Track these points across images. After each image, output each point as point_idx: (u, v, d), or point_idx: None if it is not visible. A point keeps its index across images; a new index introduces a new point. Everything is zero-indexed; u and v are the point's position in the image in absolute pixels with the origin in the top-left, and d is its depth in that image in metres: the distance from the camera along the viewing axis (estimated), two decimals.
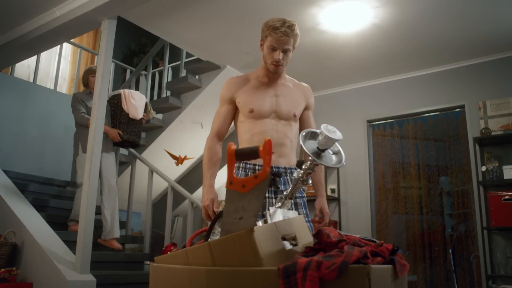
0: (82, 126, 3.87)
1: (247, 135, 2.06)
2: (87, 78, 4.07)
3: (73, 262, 3.05)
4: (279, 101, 2.08)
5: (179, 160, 4.74)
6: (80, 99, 3.95)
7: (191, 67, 4.90)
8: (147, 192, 4.32)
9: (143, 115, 4.17)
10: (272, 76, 2.10)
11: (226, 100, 2.14)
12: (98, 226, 3.73)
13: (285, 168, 2.03)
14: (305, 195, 2.08)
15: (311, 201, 2.13)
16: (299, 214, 1.95)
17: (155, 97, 5.86)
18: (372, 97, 4.96)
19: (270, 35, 1.99)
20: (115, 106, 4.07)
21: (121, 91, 4.10)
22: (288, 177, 2.00)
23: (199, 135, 5.26)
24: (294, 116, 2.09)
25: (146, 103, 4.24)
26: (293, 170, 2.00)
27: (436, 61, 4.45)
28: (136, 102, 4.09)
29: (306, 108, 2.17)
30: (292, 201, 1.98)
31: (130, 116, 4.04)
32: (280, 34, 1.95)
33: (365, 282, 0.94)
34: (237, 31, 3.99)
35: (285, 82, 2.15)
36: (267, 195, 1.95)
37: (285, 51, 2.01)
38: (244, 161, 2.04)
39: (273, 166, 1.99)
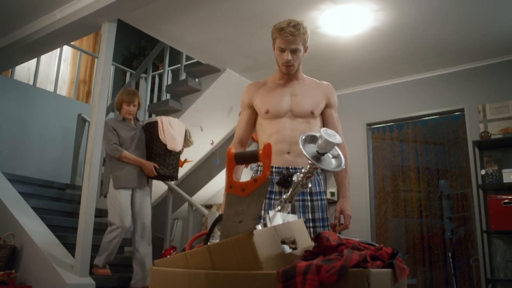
0: (114, 159, 3.43)
1: (265, 135, 2.08)
2: (121, 103, 3.59)
3: (72, 265, 3.05)
4: (294, 99, 2.07)
5: (179, 163, 4.72)
6: (112, 127, 3.48)
7: (191, 70, 4.90)
8: None
9: (182, 145, 3.73)
10: (287, 77, 2.12)
11: (245, 106, 2.17)
12: (98, 229, 3.72)
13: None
14: (324, 197, 2.02)
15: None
16: (315, 218, 1.94)
17: (155, 100, 5.86)
18: (371, 100, 4.96)
19: (277, 37, 2.01)
20: (150, 135, 3.65)
21: (158, 118, 3.69)
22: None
23: (199, 138, 5.25)
24: (312, 113, 2.06)
25: (186, 131, 3.83)
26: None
27: (436, 64, 4.46)
28: (174, 132, 3.64)
29: (328, 106, 2.14)
30: (309, 203, 1.96)
31: (168, 147, 3.61)
32: (286, 34, 1.97)
33: (364, 286, 0.95)
34: (237, 34, 4.00)
35: (302, 82, 2.15)
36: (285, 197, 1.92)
37: (294, 51, 2.02)
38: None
39: (290, 167, 1.98)
